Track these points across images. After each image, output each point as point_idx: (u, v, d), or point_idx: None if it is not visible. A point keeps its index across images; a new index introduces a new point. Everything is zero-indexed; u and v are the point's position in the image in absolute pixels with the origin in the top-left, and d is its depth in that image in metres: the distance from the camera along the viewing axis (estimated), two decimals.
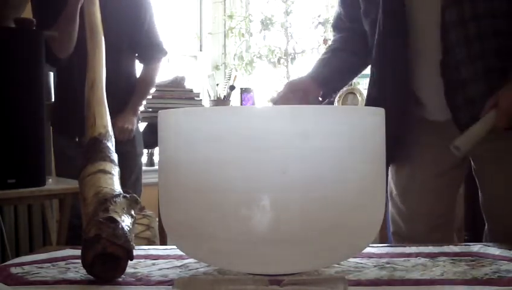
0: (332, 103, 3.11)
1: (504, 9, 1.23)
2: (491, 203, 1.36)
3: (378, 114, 0.87)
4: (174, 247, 0.98)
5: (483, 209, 1.39)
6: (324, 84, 1.41)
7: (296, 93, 1.37)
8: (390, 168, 1.44)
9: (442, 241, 1.23)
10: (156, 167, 2.71)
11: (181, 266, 0.94)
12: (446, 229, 1.42)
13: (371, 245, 1.00)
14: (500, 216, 1.34)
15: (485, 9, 1.22)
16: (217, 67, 3.91)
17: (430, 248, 1.04)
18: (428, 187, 1.39)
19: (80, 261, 0.85)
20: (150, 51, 2.39)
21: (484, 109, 1.21)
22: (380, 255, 0.99)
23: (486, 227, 1.39)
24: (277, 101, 1.37)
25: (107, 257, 0.83)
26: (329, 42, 1.54)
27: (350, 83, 3.23)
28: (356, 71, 1.49)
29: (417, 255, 0.99)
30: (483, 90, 1.24)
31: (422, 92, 1.34)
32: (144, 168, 2.54)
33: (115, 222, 0.84)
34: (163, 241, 2.53)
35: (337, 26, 1.52)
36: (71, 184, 1.94)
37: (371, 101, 1.40)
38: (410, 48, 1.30)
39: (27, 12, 2.22)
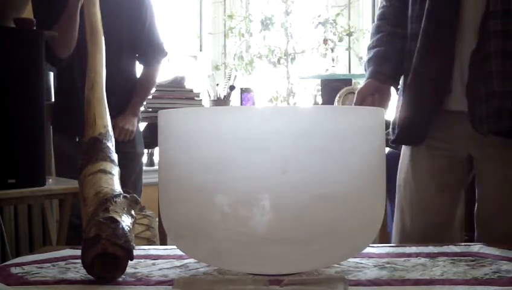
0: (332, 102, 3.10)
1: None
2: (484, 208, 1.34)
3: (378, 114, 0.87)
4: (174, 247, 0.98)
5: (475, 215, 1.36)
6: (391, 80, 1.40)
7: (374, 97, 1.35)
8: (407, 152, 1.41)
9: (442, 240, 1.22)
10: (156, 167, 2.71)
11: (181, 266, 0.94)
12: (445, 230, 1.40)
13: (371, 245, 1.00)
14: (490, 222, 1.32)
15: None
16: (217, 67, 3.91)
17: (430, 248, 1.04)
18: (432, 179, 1.36)
19: (80, 261, 0.85)
20: (151, 51, 2.38)
21: None
22: (380, 255, 0.99)
23: (476, 234, 1.38)
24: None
25: (107, 257, 0.83)
26: (379, 13, 1.46)
27: (350, 82, 3.22)
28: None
29: (417, 255, 0.99)
30: (507, 89, 1.22)
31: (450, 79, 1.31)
32: (144, 168, 2.53)
33: (115, 222, 0.85)
34: (163, 241, 2.53)
35: None
36: (71, 184, 1.94)
37: (408, 74, 1.36)
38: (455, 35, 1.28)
39: (27, 13, 2.22)
